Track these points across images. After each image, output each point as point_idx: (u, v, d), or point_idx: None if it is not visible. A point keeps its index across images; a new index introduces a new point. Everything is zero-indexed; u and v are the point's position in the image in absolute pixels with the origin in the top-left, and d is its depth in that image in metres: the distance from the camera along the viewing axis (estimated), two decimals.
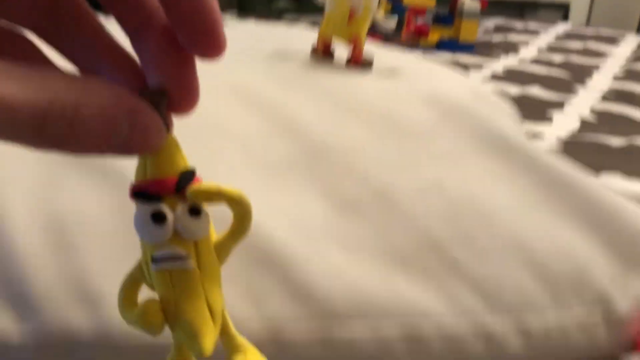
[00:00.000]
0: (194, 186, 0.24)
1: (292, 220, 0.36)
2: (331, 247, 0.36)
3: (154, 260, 0.23)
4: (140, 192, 0.23)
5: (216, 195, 0.24)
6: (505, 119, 0.53)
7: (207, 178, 0.35)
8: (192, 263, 0.24)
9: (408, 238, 0.37)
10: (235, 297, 0.32)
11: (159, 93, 0.23)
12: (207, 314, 0.25)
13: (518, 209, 0.40)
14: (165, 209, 0.23)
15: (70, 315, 0.32)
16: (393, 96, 0.49)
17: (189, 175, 0.24)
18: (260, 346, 0.28)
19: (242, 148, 0.41)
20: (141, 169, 0.23)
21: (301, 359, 0.33)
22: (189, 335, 0.24)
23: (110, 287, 0.32)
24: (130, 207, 0.25)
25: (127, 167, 0.37)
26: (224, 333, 0.26)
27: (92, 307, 0.32)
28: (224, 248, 0.25)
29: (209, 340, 0.25)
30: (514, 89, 0.92)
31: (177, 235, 0.23)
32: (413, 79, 0.55)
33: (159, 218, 0.23)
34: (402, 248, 0.36)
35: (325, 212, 0.38)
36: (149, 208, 0.23)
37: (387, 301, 0.34)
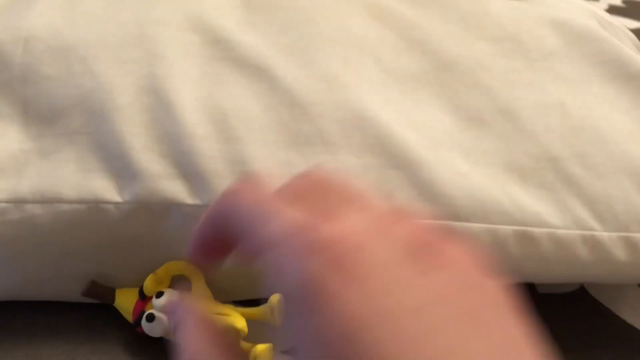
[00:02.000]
0: None
1: (421, 129, 0.40)
2: (455, 156, 0.39)
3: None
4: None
5: None
6: (629, 46, 0.54)
7: (345, 86, 0.41)
8: None
9: (528, 152, 0.40)
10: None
11: None
12: None
13: (636, 135, 0.42)
14: None
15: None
16: (521, 17, 0.51)
17: None
18: None
19: (376, 61, 0.44)
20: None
21: None
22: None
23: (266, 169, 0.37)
24: (284, 106, 0.38)
25: (279, 69, 0.42)
26: None
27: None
28: None
29: None
30: (634, 23, 0.90)
31: None
32: (540, 2, 0.56)
33: None
34: (521, 161, 0.40)
35: (451, 123, 0.41)
36: None
37: (504, 205, 0.38)
